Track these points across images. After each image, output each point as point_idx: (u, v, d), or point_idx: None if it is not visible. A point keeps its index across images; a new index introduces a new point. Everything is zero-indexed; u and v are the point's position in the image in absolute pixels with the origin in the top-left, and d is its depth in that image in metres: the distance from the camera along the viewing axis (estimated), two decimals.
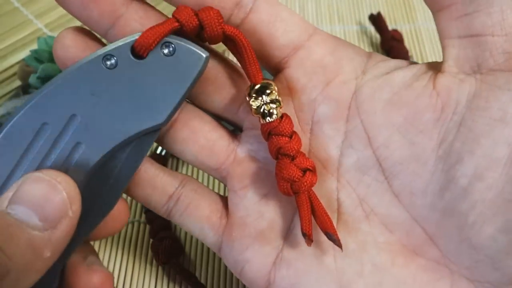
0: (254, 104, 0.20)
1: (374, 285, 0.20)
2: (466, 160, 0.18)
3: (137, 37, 0.19)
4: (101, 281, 0.20)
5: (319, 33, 0.21)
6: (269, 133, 0.20)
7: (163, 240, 0.29)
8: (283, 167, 0.20)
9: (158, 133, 0.20)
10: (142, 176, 0.22)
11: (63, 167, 0.19)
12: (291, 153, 0.20)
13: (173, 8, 0.20)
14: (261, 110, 0.20)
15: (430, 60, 0.40)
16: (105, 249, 0.31)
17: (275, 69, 0.22)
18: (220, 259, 0.30)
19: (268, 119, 0.20)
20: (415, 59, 0.39)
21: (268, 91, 0.20)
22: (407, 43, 0.41)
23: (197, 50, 0.19)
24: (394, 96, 0.20)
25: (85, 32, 0.21)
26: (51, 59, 0.33)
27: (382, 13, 0.41)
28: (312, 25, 0.21)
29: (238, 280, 0.30)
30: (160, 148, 0.34)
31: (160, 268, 0.30)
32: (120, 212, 0.21)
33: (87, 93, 0.19)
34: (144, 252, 0.31)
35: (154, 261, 0.30)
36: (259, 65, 0.20)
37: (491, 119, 0.18)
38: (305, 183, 0.20)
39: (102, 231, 0.21)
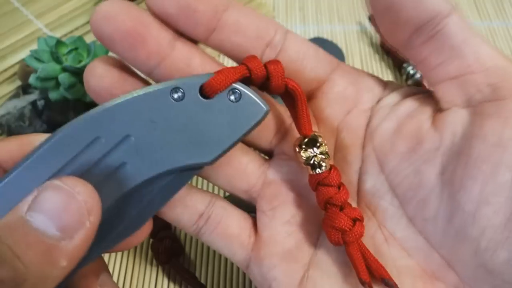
0: (304, 155, 0.21)
1: None
2: (469, 186, 0.18)
3: (208, 77, 0.19)
4: None
5: (342, 67, 0.23)
6: (317, 183, 0.21)
7: (163, 240, 0.29)
8: (334, 216, 0.20)
9: (200, 171, 0.20)
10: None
11: (103, 182, 0.19)
12: (340, 203, 0.20)
13: None
14: (311, 161, 0.21)
15: None
16: None
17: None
18: (220, 259, 0.30)
19: (318, 170, 0.21)
20: None
21: (318, 144, 0.21)
22: None
23: (260, 103, 0.20)
24: (399, 126, 0.21)
25: (115, 61, 0.20)
26: (51, 59, 0.33)
27: None
28: (336, 59, 0.23)
29: (238, 280, 0.30)
30: None
31: (160, 268, 0.30)
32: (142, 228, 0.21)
33: (147, 118, 0.19)
34: (144, 252, 0.31)
35: (154, 261, 0.30)
36: (310, 118, 0.21)
37: (488, 145, 0.18)
38: (355, 233, 0.20)
39: (120, 245, 0.21)
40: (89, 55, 0.33)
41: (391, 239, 0.21)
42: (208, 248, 0.31)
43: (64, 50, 0.33)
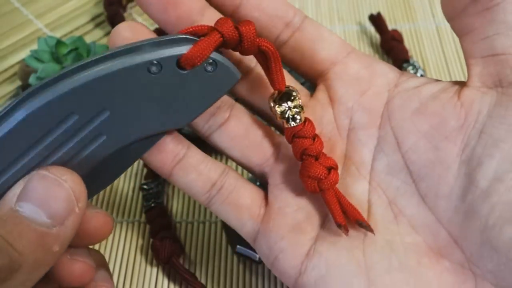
0: (279, 109, 0.22)
1: (400, 282, 0.21)
2: (486, 163, 0.19)
3: (184, 51, 0.19)
4: (83, 272, 0.20)
5: (356, 52, 0.24)
6: (293, 136, 0.22)
7: (163, 240, 0.29)
8: (309, 166, 0.21)
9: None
10: (188, 161, 0.23)
11: (79, 153, 0.19)
12: (315, 154, 0.21)
13: None
14: (286, 115, 0.22)
15: (430, 60, 0.40)
16: (105, 249, 0.31)
17: (317, 80, 0.24)
18: (220, 259, 0.30)
19: (292, 123, 0.22)
20: (415, 59, 0.39)
21: (292, 97, 0.22)
22: (407, 43, 0.41)
23: (234, 71, 0.21)
24: (422, 106, 0.22)
25: (141, 26, 0.21)
26: (51, 59, 0.33)
27: (382, 13, 0.41)
28: (351, 45, 0.24)
29: (238, 280, 0.30)
30: None
31: (160, 268, 0.30)
32: (104, 225, 0.21)
33: (124, 91, 0.19)
34: (144, 252, 0.31)
35: (154, 261, 0.30)
36: (283, 74, 0.22)
37: (510, 126, 0.19)
38: (330, 180, 0.21)
39: (85, 240, 0.21)
40: (89, 55, 0.33)
41: (400, 216, 0.22)
42: (208, 248, 0.31)
43: (64, 50, 0.34)
